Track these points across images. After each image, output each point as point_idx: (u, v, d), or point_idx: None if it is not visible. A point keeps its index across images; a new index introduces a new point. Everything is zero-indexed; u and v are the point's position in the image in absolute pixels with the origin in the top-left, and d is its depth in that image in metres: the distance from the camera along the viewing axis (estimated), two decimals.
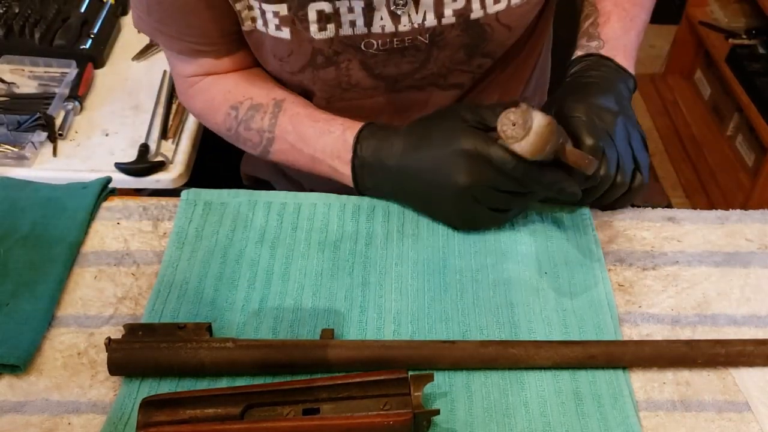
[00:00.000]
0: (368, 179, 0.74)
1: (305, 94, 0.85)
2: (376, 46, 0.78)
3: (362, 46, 0.78)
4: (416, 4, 0.76)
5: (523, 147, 0.62)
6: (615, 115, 0.71)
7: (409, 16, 0.76)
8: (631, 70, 0.79)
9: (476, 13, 0.77)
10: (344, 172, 0.75)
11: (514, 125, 0.62)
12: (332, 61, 0.79)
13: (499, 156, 0.65)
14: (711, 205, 2.09)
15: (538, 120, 0.61)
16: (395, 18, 0.76)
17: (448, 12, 0.77)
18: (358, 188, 0.76)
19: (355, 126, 0.75)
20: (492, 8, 0.77)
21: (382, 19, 0.76)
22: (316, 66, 0.79)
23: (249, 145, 0.83)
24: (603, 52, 0.79)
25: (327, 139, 0.76)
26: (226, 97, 0.82)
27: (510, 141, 0.63)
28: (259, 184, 1.05)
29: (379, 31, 0.77)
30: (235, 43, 0.82)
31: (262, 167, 1.03)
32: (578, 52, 0.81)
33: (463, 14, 0.77)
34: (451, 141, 0.68)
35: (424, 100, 0.86)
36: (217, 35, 0.80)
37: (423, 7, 0.76)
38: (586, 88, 0.75)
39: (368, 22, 0.76)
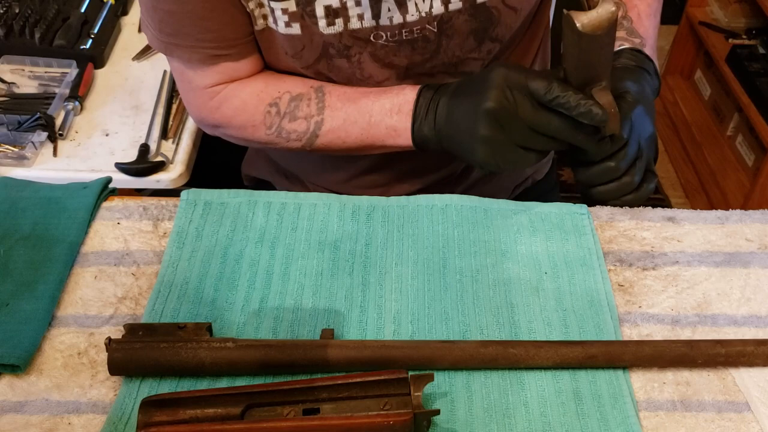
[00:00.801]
0: (426, 124, 0.76)
1: None
2: (385, 37, 0.79)
3: (371, 38, 0.79)
4: None
5: (588, 17, 0.62)
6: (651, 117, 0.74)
7: (416, 4, 0.77)
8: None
9: None
10: (403, 125, 0.77)
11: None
12: (343, 54, 0.80)
13: (534, 81, 0.67)
14: (711, 206, 2.10)
15: (607, 5, 0.62)
16: (402, 8, 0.77)
17: None
18: (415, 138, 0.77)
19: (414, 86, 0.78)
20: None
21: (389, 10, 0.77)
22: (330, 57, 0.80)
23: (294, 137, 0.82)
24: (645, 51, 0.80)
25: (385, 99, 0.78)
26: (261, 96, 0.82)
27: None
28: (260, 184, 1.05)
29: (387, 22, 0.77)
30: (252, 44, 0.82)
31: (263, 167, 1.03)
32: (624, 45, 0.81)
33: None
34: (491, 71, 0.69)
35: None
36: (234, 37, 0.80)
37: None
38: (640, 78, 0.76)
39: (376, 14, 0.77)
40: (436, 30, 0.79)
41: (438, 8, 0.77)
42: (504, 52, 0.87)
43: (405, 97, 0.77)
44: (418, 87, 0.77)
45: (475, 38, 0.81)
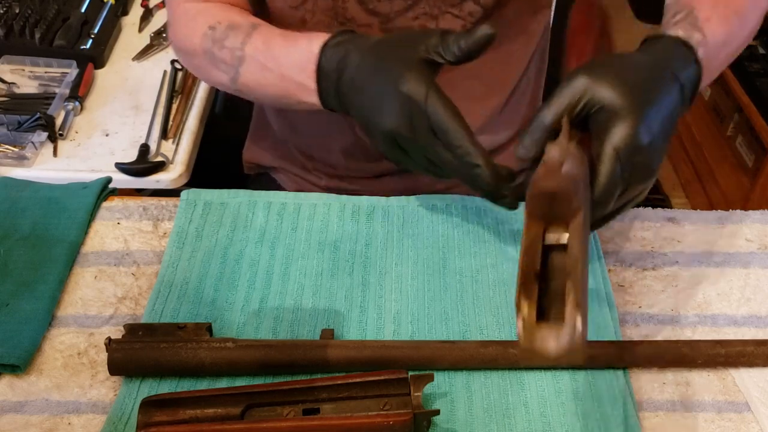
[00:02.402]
0: (332, 95, 0.68)
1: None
2: None
3: None
4: None
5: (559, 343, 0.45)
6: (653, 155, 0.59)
7: None
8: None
9: None
10: (311, 86, 0.69)
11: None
12: None
13: (433, 111, 0.59)
14: (711, 206, 2.10)
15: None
16: None
17: None
18: (323, 103, 0.70)
19: (323, 36, 0.69)
20: None
21: None
22: None
23: (222, 68, 0.78)
24: (700, 53, 0.64)
25: (294, 50, 0.71)
26: (207, 19, 0.79)
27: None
28: (261, 173, 1.05)
29: None
30: None
31: (265, 153, 1.02)
32: (671, 32, 0.65)
33: None
34: (397, 77, 0.61)
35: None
36: None
37: None
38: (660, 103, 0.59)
39: None
40: None
41: None
42: (487, 20, 0.82)
43: (310, 53, 0.68)
44: (324, 39, 0.68)
45: None
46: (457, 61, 0.63)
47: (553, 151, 0.49)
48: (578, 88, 0.57)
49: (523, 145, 0.58)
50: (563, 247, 0.48)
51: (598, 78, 0.57)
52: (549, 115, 0.57)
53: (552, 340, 0.43)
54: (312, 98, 0.70)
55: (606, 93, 0.56)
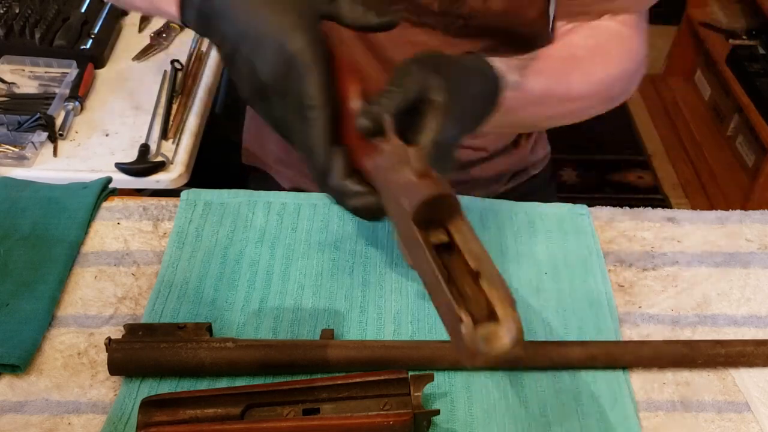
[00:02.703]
0: (194, 12, 0.61)
1: None
2: None
3: None
4: None
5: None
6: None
7: None
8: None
9: None
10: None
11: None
12: None
13: (308, 85, 0.53)
14: (711, 206, 2.10)
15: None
16: None
17: None
18: (183, 16, 0.62)
19: None
20: None
21: None
22: None
23: None
24: (512, 77, 0.66)
25: None
26: None
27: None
28: (261, 173, 1.05)
29: None
30: None
31: (264, 153, 1.02)
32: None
33: None
34: (288, 29, 0.55)
35: (397, 36, 0.77)
36: None
37: None
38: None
39: None
40: None
41: None
42: (469, 34, 0.81)
43: None
44: None
45: (439, 5, 0.77)
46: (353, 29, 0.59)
47: (416, 163, 0.49)
48: (417, 82, 0.56)
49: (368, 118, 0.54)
50: (447, 248, 0.48)
51: (431, 73, 0.57)
52: (392, 105, 0.54)
53: (501, 338, 0.44)
54: (171, 8, 0.63)
55: (435, 86, 0.56)
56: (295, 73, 0.54)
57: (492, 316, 0.44)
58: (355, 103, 0.54)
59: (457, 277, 0.47)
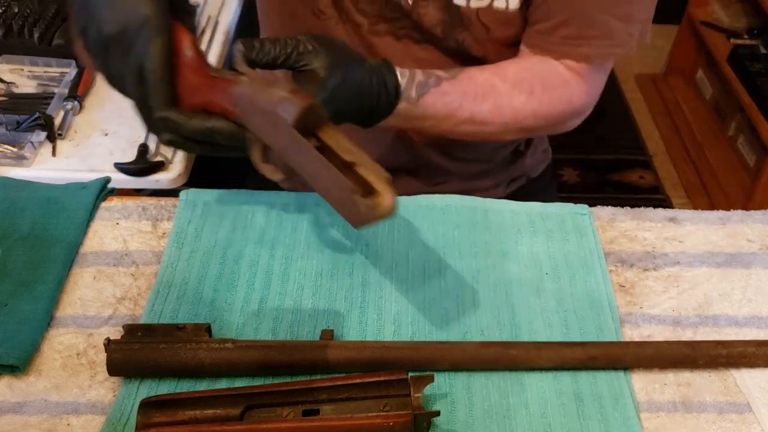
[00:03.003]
0: None
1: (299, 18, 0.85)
2: None
3: None
4: None
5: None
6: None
7: None
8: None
9: (459, 0, 0.78)
10: None
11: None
12: None
13: (150, 54, 0.59)
14: (712, 206, 2.10)
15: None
16: None
17: None
18: None
19: None
20: (474, 3, 0.78)
21: None
22: None
23: None
24: (401, 105, 0.72)
25: None
26: None
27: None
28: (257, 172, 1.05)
29: None
30: None
31: None
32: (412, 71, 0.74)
33: None
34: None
35: (400, 52, 0.85)
36: None
37: None
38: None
39: None
40: (411, 3, 0.80)
41: None
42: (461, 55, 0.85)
43: None
44: None
45: (442, 30, 0.81)
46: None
47: (287, 83, 0.62)
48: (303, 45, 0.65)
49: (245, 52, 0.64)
50: (321, 150, 0.58)
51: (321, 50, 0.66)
52: (273, 52, 0.65)
53: (383, 205, 0.55)
54: None
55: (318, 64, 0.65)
56: (142, 36, 0.58)
57: (372, 192, 0.55)
58: (188, 51, 0.61)
59: (338, 168, 0.56)
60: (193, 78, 0.61)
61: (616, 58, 0.82)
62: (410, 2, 0.80)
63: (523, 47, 0.83)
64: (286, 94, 0.58)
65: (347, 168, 0.57)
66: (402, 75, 0.72)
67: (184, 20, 0.63)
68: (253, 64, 0.64)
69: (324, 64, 0.65)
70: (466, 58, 0.84)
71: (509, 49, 0.84)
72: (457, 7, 0.79)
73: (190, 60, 0.61)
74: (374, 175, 0.57)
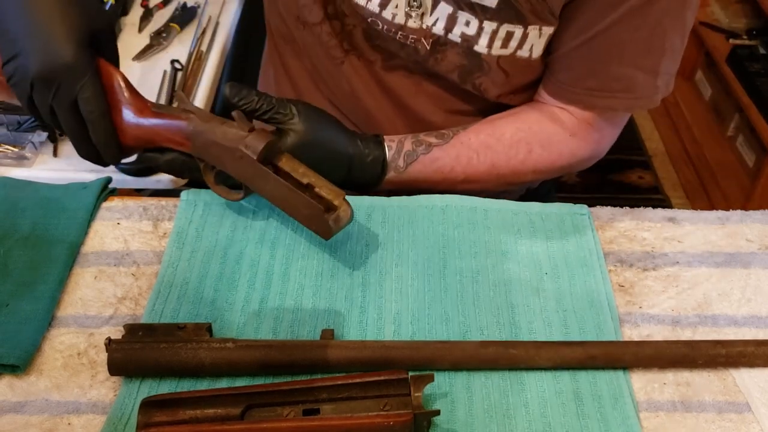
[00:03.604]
0: None
1: (309, 52, 0.88)
2: (381, 27, 0.79)
3: (368, 20, 0.80)
4: (432, 10, 0.77)
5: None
6: None
7: (421, 16, 0.77)
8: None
9: (480, 48, 0.78)
10: None
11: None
12: (339, 15, 0.81)
13: (87, 97, 0.65)
14: (711, 206, 2.10)
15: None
16: (407, 14, 0.77)
17: (456, 31, 0.77)
18: None
19: None
20: (496, 51, 0.78)
21: (396, 7, 0.77)
22: (328, 17, 0.82)
23: None
24: (390, 174, 0.78)
25: None
26: None
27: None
28: None
29: (389, 18, 0.78)
30: None
31: None
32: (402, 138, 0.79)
33: (468, 41, 0.78)
34: (66, 40, 0.63)
35: (414, 86, 0.86)
36: None
37: (437, 14, 0.77)
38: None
39: (383, 3, 0.77)
40: (429, 48, 0.80)
41: (439, 29, 0.78)
42: (481, 108, 0.86)
43: None
44: None
45: (459, 75, 0.82)
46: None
47: (244, 123, 0.68)
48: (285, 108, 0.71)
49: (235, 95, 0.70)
50: (279, 174, 0.67)
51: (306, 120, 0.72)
52: (254, 104, 0.70)
53: (343, 218, 0.66)
54: None
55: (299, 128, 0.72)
56: (69, 78, 0.62)
57: (332, 207, 0.66)
58: (121, 87, 0.68)
59: (299, 190, 0.66)
60: (135, 113, 0.69)
61: (640, 110, 0.82)
62: (428, 47, 0.79)
63: (543, 93, 0.83)
64: (244, 133, 0.66)
65: (306, 189, 0.67)
66: (389, 148, 0.77)
67: (105, 54, 0.67)
68: (232, 107, 0.70)
69: (298, 129, 0.71)
70: (480, 98, 0.84)
71: (526, 92, 0.84)
72: (478, 54, 0.79)
73: (126, 97, 0.68)
74: (331, 193, 0.66)
